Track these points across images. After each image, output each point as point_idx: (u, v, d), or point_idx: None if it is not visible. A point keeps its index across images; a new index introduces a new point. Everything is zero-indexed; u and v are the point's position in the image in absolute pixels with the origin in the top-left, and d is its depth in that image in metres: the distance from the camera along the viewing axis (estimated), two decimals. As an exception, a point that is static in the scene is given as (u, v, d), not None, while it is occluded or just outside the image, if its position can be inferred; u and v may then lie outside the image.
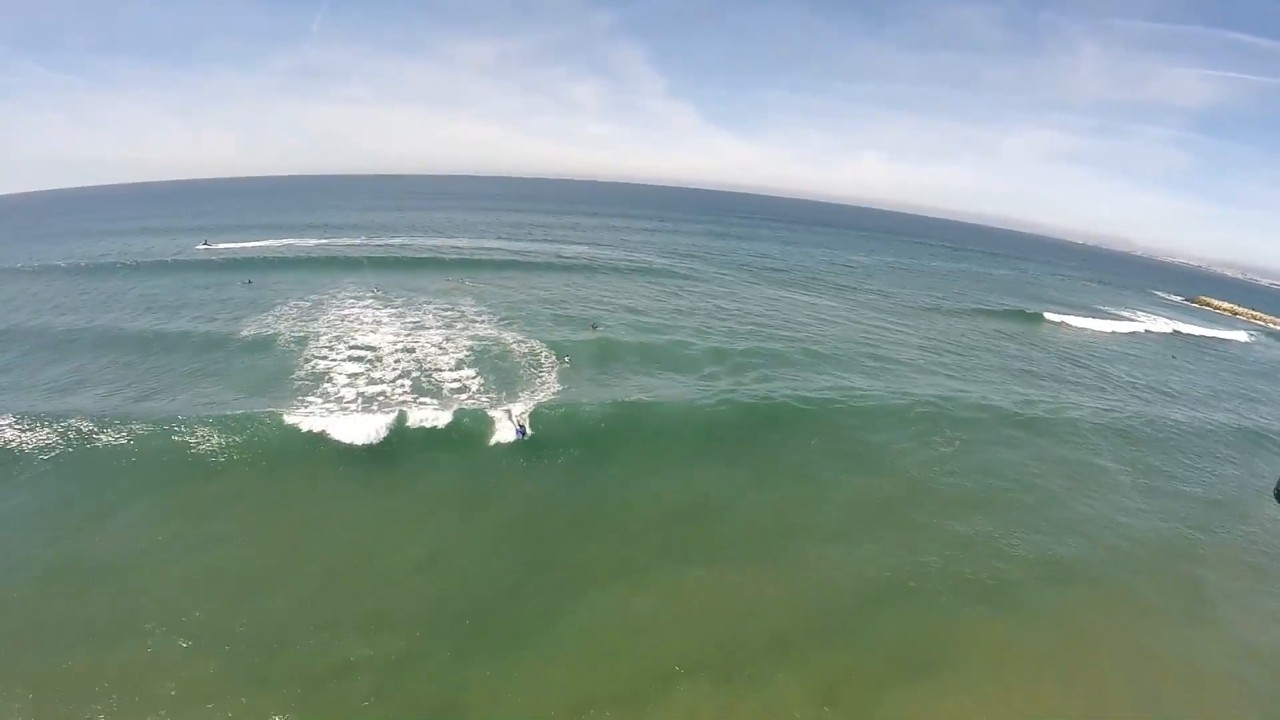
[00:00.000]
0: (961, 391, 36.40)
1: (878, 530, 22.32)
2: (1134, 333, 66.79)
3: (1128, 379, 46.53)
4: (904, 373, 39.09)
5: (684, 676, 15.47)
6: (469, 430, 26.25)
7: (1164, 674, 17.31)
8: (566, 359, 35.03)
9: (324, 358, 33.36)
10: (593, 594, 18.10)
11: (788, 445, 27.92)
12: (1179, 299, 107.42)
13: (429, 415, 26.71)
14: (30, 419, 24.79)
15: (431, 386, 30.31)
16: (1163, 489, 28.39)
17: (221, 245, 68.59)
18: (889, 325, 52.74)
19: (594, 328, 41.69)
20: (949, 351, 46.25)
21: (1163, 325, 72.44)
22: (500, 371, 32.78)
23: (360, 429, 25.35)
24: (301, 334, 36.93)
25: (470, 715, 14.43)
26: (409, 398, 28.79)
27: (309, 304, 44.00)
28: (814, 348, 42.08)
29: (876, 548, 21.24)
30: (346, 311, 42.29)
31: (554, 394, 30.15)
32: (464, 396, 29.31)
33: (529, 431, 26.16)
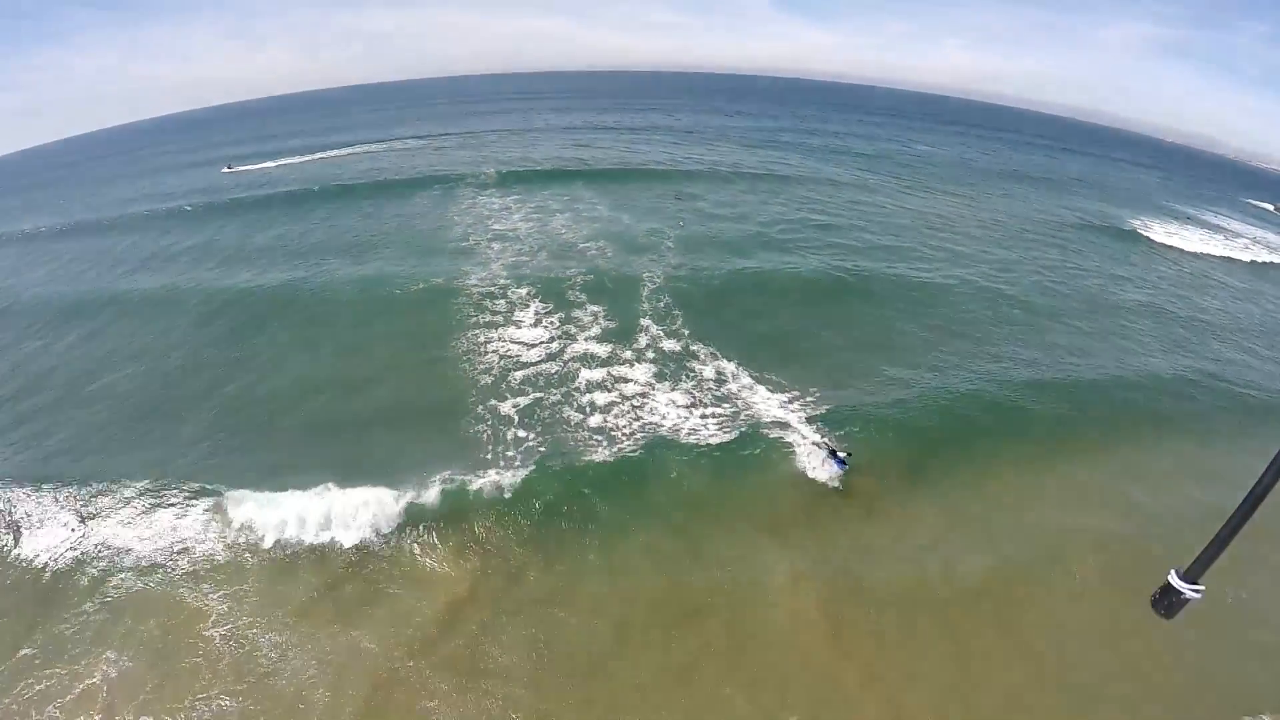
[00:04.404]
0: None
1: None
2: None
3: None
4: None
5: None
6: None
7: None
8: (681, 222, 42.52)
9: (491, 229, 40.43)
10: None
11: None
12: (1270, 207, 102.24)
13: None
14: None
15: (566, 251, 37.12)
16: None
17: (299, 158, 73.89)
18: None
19: (677, 197, 49.00)
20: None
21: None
22: (623, 241, 39.20)
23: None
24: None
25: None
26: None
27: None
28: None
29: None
30: (480, 200, 49.47)
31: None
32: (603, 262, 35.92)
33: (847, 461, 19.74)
